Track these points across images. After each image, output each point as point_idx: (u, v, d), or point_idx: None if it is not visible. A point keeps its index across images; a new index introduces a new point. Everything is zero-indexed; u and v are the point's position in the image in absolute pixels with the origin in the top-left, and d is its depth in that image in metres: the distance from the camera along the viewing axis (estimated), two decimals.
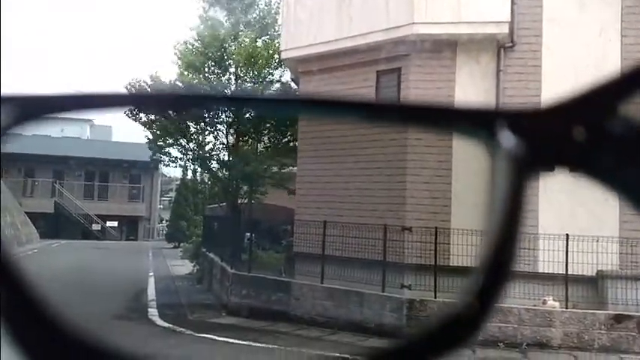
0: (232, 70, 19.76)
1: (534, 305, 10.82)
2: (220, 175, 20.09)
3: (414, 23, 12.17)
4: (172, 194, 46.56)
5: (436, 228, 11.56)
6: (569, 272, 11.04)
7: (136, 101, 0.45)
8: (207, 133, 19.58)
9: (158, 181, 47.24)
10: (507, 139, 0.41)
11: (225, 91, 18.85)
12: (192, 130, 19.47)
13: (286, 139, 18.65)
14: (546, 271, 11.18)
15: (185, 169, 32.25)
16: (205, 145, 19.71)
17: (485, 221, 0.41)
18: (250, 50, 18.72)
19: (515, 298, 10.38)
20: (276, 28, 19.54)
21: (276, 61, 18.62)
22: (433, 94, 12.20)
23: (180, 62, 19.72)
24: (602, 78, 0.41)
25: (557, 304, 10.87)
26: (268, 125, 18.53)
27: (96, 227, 41.63)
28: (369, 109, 0.46)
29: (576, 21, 12.02)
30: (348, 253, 12.51)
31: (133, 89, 19.59)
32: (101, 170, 43.33)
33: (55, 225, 38.65)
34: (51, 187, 41.73)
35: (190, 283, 19.07)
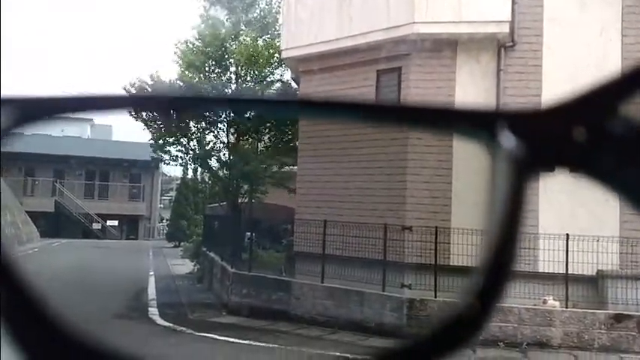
0: (233, 69, 19.76)
1: (534, 305, 10.82)
2: (221, 174, 20.09)
3: (414, 22, 12.17)
4: (173, 193, 46.59)
5: (436, 227, 11.56)
6: (569, 272, 11.04)
7: (137, 102, 0.46)
8: (207, 132, 19.58)
9: (158, 181, 47.25)
10: (508, 139, 0.41)
11: (226, 90, 18.90)
12: (193, 129, 19.47)
13: (286, 139, 18.65)
14: (546, 271, 11.18)
15: (185, 168, 32.31)
16: (206, 144, 19.71)
17: (486, 222, 0.41)
18: (251, 50, 18.71)
19: (516, 297, 10.38)
20: (277, 27, 19.53)
21: (277, 60, 18.61)
22: (433, 93, 12.20)
23: (180, 61, 19.71)
24: (603, 78, 0.41)
25: (557, 303, 10.87)
26: (269, 124, 18.52)
27: (96, 226, 41.65)
28: (369, 110, 0.46)
29: (577, 20, 12.02)
30: (348, 253, 12.51)
31: (133, 89, 19.61)
32: (101, 169, 43.35)
33: (56, 224, 38.67)
34: (51, 186, 41.74)
35: (191, 282, 19.08)
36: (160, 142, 19.69)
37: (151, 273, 19.93)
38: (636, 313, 10.46)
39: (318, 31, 13.76)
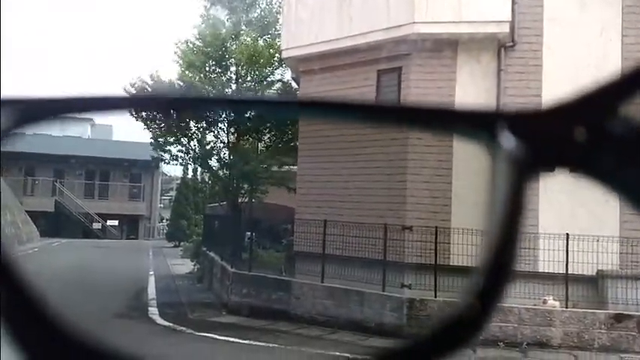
0: (233, 69, 19.75)
1: (534, 305, 10.82)
2: (221, 174, 20.09)
3: (414, 22, 12.17)
4: (173, 193, 46.61)
5: (436, 227, 11.56)
6: (569, 272, 11.04)
7: (137, 103, 0.46)
8: (207, 131, 19.58)
9: (158, 180, 47.26)
10: (508, 140, 0.41)
11: (226, 90, 18.89)
12: (193, 128, 19.47)
13: (287, 138, 18.64)
14: (546, 271, 11.18)
15: (186, 167, 32.33)
16: (206, 143, 19.71)
17: (486, 222, 0.41)
18: (252, 50, 18.70)
19: (516, 297, 10.38)
20: (277, 27, 19.53)
21: (277, 60, 18.60)
22: (434, 93, 12.20)
23: (181, 61, 19.71)
24: (603, 79, 0.41)
25: (557, 303, 10.87)
26: (269, 124, 18.51)
27: (96, 226, 41.66)
28: (370, 110, 0.46)
29: (577, 20, 12.02)
30: (348, 252, 12.52)
31: (133, 89, 19.62)
32: (102, 169, 43.36)
33: (56, 224, 38.67)
34: (51, 185, 41.75)
35: (191, 282, 19.08)
36: (161, 140, 19.69)
37: (151, 273, 19.93)
38: (636, 313, 10.46)
39: (319, 31, 13.76)
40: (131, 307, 13.54)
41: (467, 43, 12.27)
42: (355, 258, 12.32)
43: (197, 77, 19.02)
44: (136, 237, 42.43)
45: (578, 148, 0.41)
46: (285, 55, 15.20)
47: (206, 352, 10.01)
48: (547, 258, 11.19)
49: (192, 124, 19.16)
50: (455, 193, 12.02)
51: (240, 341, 10.38)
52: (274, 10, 20.77)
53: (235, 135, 19.40)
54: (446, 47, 12.31)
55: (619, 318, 10.38)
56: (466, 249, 10.94)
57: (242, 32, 19.94)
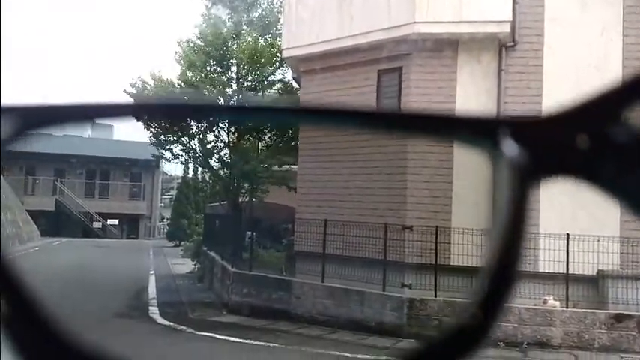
0: (234, 69, 19.75)
1: (535, 304, 10.81)
2: (221, 173, 20.10)
3: (415, 22, 12.17)
4: (173, 192, 46.59)
5: (437, 227, 11.56)
6: (569, 271, 11.04)
7: (138, 110, 0.46)
8: (208, 131, 19.58)
9: (159, 180, 47.27)
10: (510, 147, 0.41)
11: (227, 90, 18.88)
12: (194, 128, 19.48)
13: (287, 138, 18.65)
14: (547, 271, 11.18)
15: (186, 167, 32.32)
16: (207, 143, 19.72)
17: (489, 230, 0.41)
18: (253, 49, 18.68)
19: (516, 297, 10.38)
20: (278, 27, 19.52)
21: (278, 60, 18.60)
22: (434, 93, 12.21)
23: (182, 61, 19.71)
24: (604, 86, 0.41)
25: (557, 303, 10.87)
26: (269, 124, 18.50)
27: (97, 225, 41.67)
28: (370, 118, 0.46)
29: (578, 20, 12.02)
30: (348, 252, 12.52)
31: (134, 88, 19.65)
32: (102, 168, 43.38)
33: (56, 223, 38.69)
34: (52, 185, 41.76)
35: (191, 281, 19.08)
36: (162, 138, 19.70)
37: (152, 272, 19.94)
38: (636, 313, 10.46)
39: (319, 31, 13.76)
40: (132, 306, 13.55)
41: (467, 43, 12.27)
42: (356, 257, 12.33)
43: (198, 77, 19.02)
44: (136, 236, 42.44)
45: (579, 156, 0.41)
46: (285, 54, 15.20)
47: (206, 352, 10.02)
48: (547, 258, 11.19)
49: (192, 123, 19.15)
50: (455, 192, 12.03)
51: (241, 340, 10.39)
52: (275, 10, 20.76)
53: (236, 134, 19.40)
54: (446, 47, 12.32)
55: (619, 318, 10.38)
56: (466, 249, 10.94)
57: (243, 32, 19.93)
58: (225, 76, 19.69)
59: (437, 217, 11.87)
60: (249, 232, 15.79)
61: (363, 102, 12.91)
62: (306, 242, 13.49)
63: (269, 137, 19.39)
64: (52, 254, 24.23)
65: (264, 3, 21.22)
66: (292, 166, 17.22)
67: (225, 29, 19.89)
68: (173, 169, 48.63)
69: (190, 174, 36.01)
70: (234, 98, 19.20)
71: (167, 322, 11.95)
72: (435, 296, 11.15)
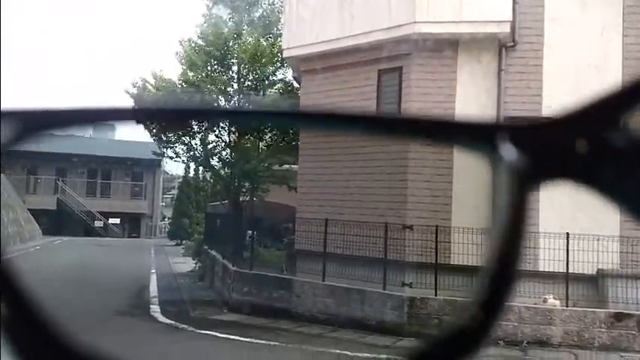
0: (235, 68, 19.76)
1: (535, 303, 10.83)
2: (222, 172, 20.13)
3: (415, 22, 12.19)
4: (174, 192, 46.65)
5: (437, 226, 11.59)
6: (569, 271, 11.06)
7: (139, 115, 0.48)
8: (209, 131, 19.60)
9: (160, 179, 47.32)
10: (509, 152, 0.42)
11: (228, 89, 18.90)
12: (195, 127, 19.50)
13: (288, 137, 18.67)
14: (547, 270, 11.19)
15: (187, 166, 32.35)
16: (208, 142, 19.75)
17: (489, 234, 0.42)
18: (254, 49, 18.70)
19: (516, 296, 10.40)
20: (279, 26, 19.54)
21: (279, 59, 18.62)
22: (434, 93, 12.23)
23: (183, 60, 19.73)
24: (603, 90, 0.42)
25: (557, 302, 10.89)
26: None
27: (98, 224, 41.72)
28: (370, 122, 0.46)
29: (578, 20, 12.03)
30: (349, 251, 12.55)
31: (134, 88, 19.69)
32: (104, 168, 43.44)
33: (58, 222, 38.75)
34: (54, 184, 41.82)
35: (192, 280, 19.11)
36: (163, 137, 19.72)
37: (153, 271, 19.98)
38: (636, 312, 10.47)
39: (320, 31, 13.79)
40: (133, 304, 13.59)
41: (468, 42, 12.29)
42: (356, 257, 12.36)
43: (199, 76, 19.04)
44: (137, 235, 42.48)
45: (578, 160, 0.41)
46: (286, 54, 15.23)
47: (207, 350, 10.05)
48: (547, 257, 11.20)
49: (193, 122, 19.16)
50: (455, 192, 12.05)
51: (242, 339, 10.42)
52: (276, 10, 20.78)
53: (237, 134, 19.43)
54: (447, 47, 12.34)
55: (619, 317, 10.40)
56: (467, 248, 10.97)
57: (244, 32, 19.94)
58: (226, 76, 19.71)
59: (437, 216, 11.90)
60: (250, 231, 15.82)
61: (364, 101, 12.94)
62: (306, 241, 13.52)
63: (270, 137, 19.40)
64: (54, 253, 24.28)
65: (265, 3, 21.24)
66: (293, 166, 17.24)
67: (227, 29, 19.90)
68: (174, 168, 48.72)
69: (191, 173, 36.07)
70: (235, 98, 19.24)
71: (168, 321, 11.98)
72: (436, 295, 11.18)
